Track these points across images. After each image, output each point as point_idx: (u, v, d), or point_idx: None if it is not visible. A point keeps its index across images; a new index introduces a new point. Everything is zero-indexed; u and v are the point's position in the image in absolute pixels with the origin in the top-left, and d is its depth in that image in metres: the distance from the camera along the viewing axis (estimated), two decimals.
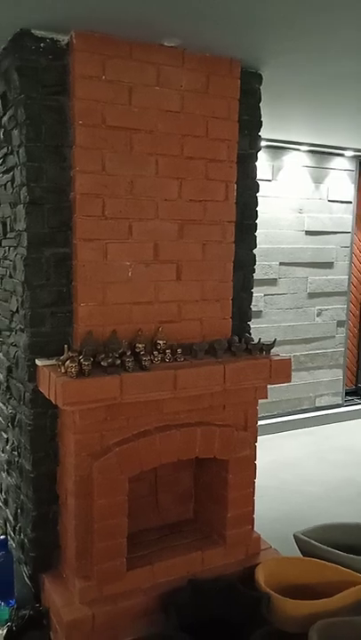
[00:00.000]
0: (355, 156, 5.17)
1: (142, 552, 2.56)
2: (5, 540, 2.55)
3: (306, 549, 2.78)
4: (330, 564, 2.62)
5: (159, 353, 2.43)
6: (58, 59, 2.29)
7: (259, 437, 2.76)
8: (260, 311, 4.85)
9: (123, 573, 2.41)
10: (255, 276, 2.93)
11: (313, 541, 2.75)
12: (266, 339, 2.77)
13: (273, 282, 4.94)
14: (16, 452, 2.70)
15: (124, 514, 2.38)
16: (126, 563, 2.42)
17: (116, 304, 2.44)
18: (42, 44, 2.27)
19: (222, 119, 2.57)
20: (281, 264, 4.96)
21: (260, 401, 2.74)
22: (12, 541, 2.79)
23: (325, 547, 2.71)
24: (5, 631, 2.22)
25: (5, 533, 2.73)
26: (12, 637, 2.23)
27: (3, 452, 2.99)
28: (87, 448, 2.31)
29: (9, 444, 2.84)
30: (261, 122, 2.80)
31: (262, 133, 2.84)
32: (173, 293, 2.58)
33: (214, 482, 2.73)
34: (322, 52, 2.50)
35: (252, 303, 2.95)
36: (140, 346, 2.38)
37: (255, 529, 2.81)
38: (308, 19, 2.13)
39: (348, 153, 5.08)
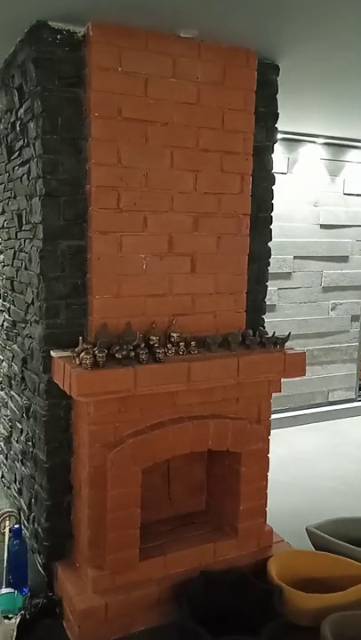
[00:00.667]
0: None
1: (155, 543, 2.57)
2: (19, 529, 2.58)
3: (318, 543, 2.77)
4: (342, 557, 2.62)
5: (173, 345, 2.44)
6: (74, 50, 2.29)
7: (272, 431, 2.76)
8: (274, 305, 4.83)
9: (135, 563, 2.43)
10: (269, 269, 2.91)
11: (325, 535, 2.74)
12: (279, 332, 2.76)
13: (287, 275, 4.91)
14: (30, 443, 2.73)
15: (137, 505, 2.40)
16: (139, 553, 2.44)
17: (130, 296, 2.45)
18: (58, 36, 2.27)
19: (238, 111, 2.56)
20: (295, 257, 4.93)
21: (273, 394, 2.73)
22: (25, 530, 2.83)
23: (338, 540, 2.71)
24: (19, 619, 2.25)
25: (19, 522, 2.76)
26: (25, 625, 2.26)
27: (17, 442, 3.03)
28: (101, 439, 2.33)
29: (23, 434, 2.87)
30: (278, 113, 2.78)
31: (278, 125, 2.81)
32: (187, 286, 2.58)
33: (227, 474, 2.74)
34: (339, 39, 2.46)
35: (267, 297, 2.94)
36: (153, 338, 2.39)
37: (267, 522, 2.81)
38: (324, 5, 2.10)
39: None
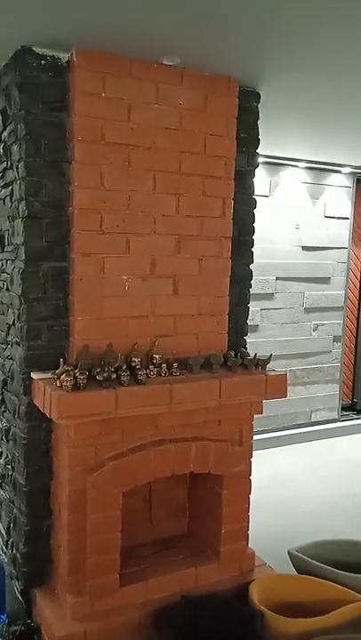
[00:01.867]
0: (352, 173, 5.22)
1: (136, 567, 2.54)
2: None
3: (300, 566, 2.76)
4: (325, 581, 2.61)
5: (155, 367, 2.44)
6: (58, 75, 2.32)
7: (254, 452, 2.76)
8: (257, 325, 4.87)
9: (115, 589, 2.39)
10: (252, 290, 2.94)
11: (307, 558, 2.73)
12: (262, 353, 2.77)
13: (270, 296, 4.95)
14: (10, 466, 2.69)
15: (118, 529, 2.37)
16: (119, 578, 2.40)
17: (112, 318, 2.45)
18: (43, 61, 2.30)
19: (220, 136, 2.60)
20: (278, 279, 4.98)
21: (255, 415, 2.74)
22: (3, 556, 2.77)
23: (320, 564, 2.69)
24: None
25: None
26: None
27: None
28: (81, 462, 2.31)
29: (2, 457, 2.83)
30: (259, 139, 2.83)
31: (260, 150, 2.87)
32: (170, 308, 2.59)
33: (209, 497, 2.72)
34: (320, 70, 2.53)
35: (249, 317, 2.96)
36: (135, 360, 2.39)
37: (250, 545, 2.79)
38: (309, 35, 2.16)
39: (346, 169, 5.13)
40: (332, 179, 5.15)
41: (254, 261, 2.91)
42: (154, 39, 2.18)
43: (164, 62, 2.41)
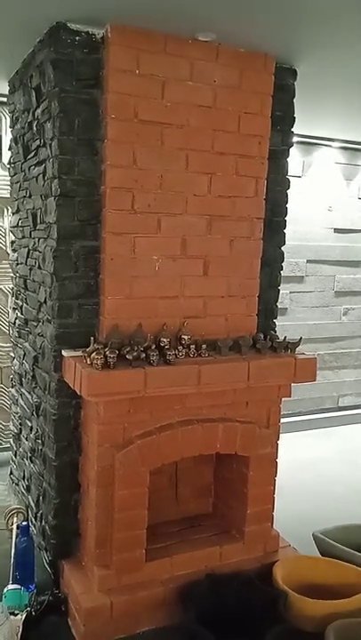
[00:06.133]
0: None
1: (161, 544, 2.58)
2: (27, 526, 2.60)
3: (324, 549, 2.76)
4: (348, 564, 2.61)
5: (183, 348, 2.44)
6: (93, 52, 2.30)
7: (280, 435, 2.75)
8: (286, 308, 4.82)
9: (141, 564, 2.43)
10: (282, 273, 2.91)
11: (332, 541, 2.73)
12: (291, 336, 2.75)
13: (300, 279, 4.89)
14: (40, 441, 2.75)
15: (145, 506, 2.41)
16: (145, 554, 2.45)
17: (142, 298, 2.46)
18: (77, 38, 2.28)
19: (255, 115, 2.55)
20: (308, 261, 4.91)
21: (283, 399, 2.72)
22: (33, 528, 2.84)
23: (344, 547, 2.69)
24: (25, 616, 2.26)
25: (27, 519, 2.78)
26: (30, 622, 2.28)
27: (27, 439, 3.05)
28: (110, 439, 2.34)
29: (33, 432, 2.89)
30: (294, 118, 2.77)
31: (294, 129, 2.81)
32: (199, 289, 2.58)
33: (235, 478, 2.74)
34: (357, 49, 2.46)
35: (278, 300, 2.93)
36: (164, 340, 2.40)
37: (274, 527, 2.80)
38: (345, 13, 2.09)
39: None
40: None
41: (286, 243, 2.87)
42: (189, 14, 2.14)
43: (200, 38, 2.36)
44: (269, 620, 2.27)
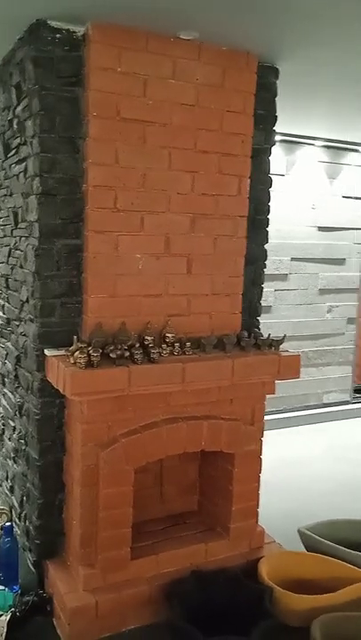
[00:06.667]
0: None
1: (147, 542, 2.58)
2: (11, 526, 2.59)
3: (309, 544, 2.79)
4: (333, 559, 2.63)
5: (168, 346, 2.44)
6: (74, 50, 2.29)
7: (265, 432, 2.77)
8: (270, 306, 4.85)
9: (127, 562, 2.43)
10: (266, 270, 2.92)
11: (316, 537, 2.75)
12: (275, 334, 2.76)
13: (284, 277, 4.92)
14: (23, 441, 2.73)
15: (130, 504, 2.41)
16: (131, 552, 2.45)
17: (125, 296, 2.45)
18: (58, 35, 2.27)
19: (237, 113, 2.56)
20: (292, 259, 4.94)
21: (267, 396, 2.74)
22: (17, 528, 2.83)
23: (329, 542, 2.72)
24: (9, 616, 2.25)
25: (11, 520, 2.77)
26: (15, 623, 2.27)
27: (10, 440, 3.03)
28: (94, 438, 2.34)
29: (16, 432, 2.87)
30: (277, 116, 2.78)
31: (277, 127, 2.82)
32: (183, 287, 2.58)
33: (220, 475, 2.75)
34: (342, 46, 2.47)
35: (262, 298, 2.94)
36: (148, 338, 2.39)
37: (260, 523, 2.82)
38: (328, 12, 2.10)
39: None
40: (350, 158, 5.06)
41: (269, 241, 2.89)
42: (171, 12, 2.14)
43: (182, 37, 2.36)
44: (256, 616, 2.28)
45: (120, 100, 2.32)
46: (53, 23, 2.25)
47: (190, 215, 2.54)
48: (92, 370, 2.19)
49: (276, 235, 4.58)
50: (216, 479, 2.78)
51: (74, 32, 2.28)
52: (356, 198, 5.17)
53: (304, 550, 2.81)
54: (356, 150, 5.04)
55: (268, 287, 4.55)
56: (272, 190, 2.85)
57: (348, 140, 4.84)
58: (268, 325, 4.30)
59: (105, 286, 2.41)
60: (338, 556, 2.65)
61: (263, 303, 2.99)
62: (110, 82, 2.29)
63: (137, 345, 2.34)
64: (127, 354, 2.29)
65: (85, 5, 2.10)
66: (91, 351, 2.21)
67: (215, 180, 2.56)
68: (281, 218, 4.70)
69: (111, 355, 2.26)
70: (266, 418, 2.79)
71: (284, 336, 2.76)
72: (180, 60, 2.40)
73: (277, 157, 4.63)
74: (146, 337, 2.40)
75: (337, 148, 4.95)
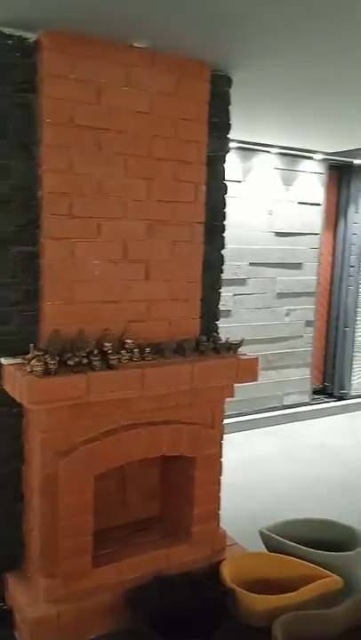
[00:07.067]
0: (324, 160, 5.26)
1: (109, 549, 2.57)
2: None
3: (271, 545, 2.83)
4: (294, 558, 2.68)
5: (127, 352, 2.44)
6: (26, 56, 2.28)
7: (227, 435, 2.80)
8: (230, 310, 4.90)
9: (88, 571, 2.41)
10: (225, 275, 2.96)
11: (277, 537, 2.80)
12: (236, 338, 2.80)
13: (242, 282, 4.99)
14: None
15: (90, 512, 2.39)
16: (92, 560, 2.43)
17: (83, 303, 2.44)
18: (9, 41, 2.25)
19: (192, 121, 2.60)
20: (251, 264, 5.01)
21: (228, 399, 2.77)
22: None
23: (289, 542, 2.76)
24: None
25: None
26: None
27: None
28: (53, 447, 2.31)
29: None
30: (230, 124, 2.83)
31: (233, 135, 2.87)
32: (142, 293, 2.59)
33: (181, 479, 2.76)
34: (293, 57, 2.54)
35: (222, 303, 2.98)
36: (107, 345, 2.39)
37: (222, 526, 2.84)
38: (280, 23, 2.16)
39: (318, 156, 5.17)
40: (305, 165, 5.19)
41: (227, 247, 2.93)
42: (123, 21, 2.16)
43: (135, 45, 2.38)
44: (219, 618, 2.30)
45: (74, 107, 2.31)
46: (4, 29, 2.24)
47: (147, 221, 2.56)
48: (49, 378, 2.17)
49: (235, 240, 4.66)
50: (178, 484, 2.79)
51: (26, 38, 2.27)
52: (312, 204, 5.30)
53: (265, 551, 2.85)
54: (311, 157, 5.17)
55: (227, 292, 4.63)
56: (229, 197, 2.90)
57: (303, 147, 4.96)
58: (228, 329, 4.35)
59: (62, 293, 2.40)
60: (298, 555, 2.70)
61: (223, 308, 3.03)
62: (64, 89, 2.29)
63: (95, 352, 2.33)
64: (85, 361, 2.28)
65: (36, 12, 2.10)
66: (48, 359, 2.19)
67: (171, 186, 2.59)
68: (239, 224, 4.78)
69: (69, 362, 2.25)
70: (228, 421, 2.83)
71: (242, 340, 2.80)
72: (133, 67, 2.42)
73: (234, 164, 4.71)
74: (105, 343, 2.40)
75: (292, 155, 5.06)
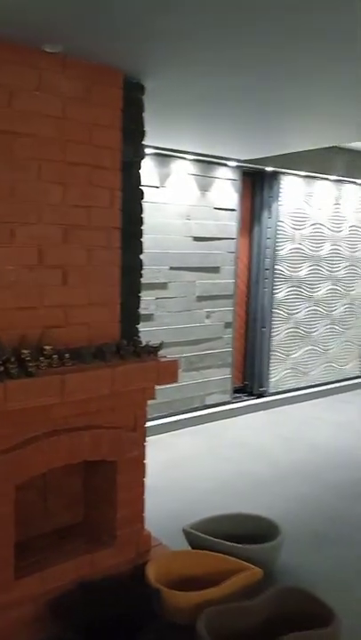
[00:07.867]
0: (238, 167, 5.45)
1: (31, 559, 2.52)
2: None
3: (194, 542, 2.89)
4: (216, 554, 2.75)
5: (46, 358, 2.42)
6: None
7: (152, 437, 2.83)
8: (152, 314, 4.95)
9: (10, 583, 2.36)
10: (146, 280, 2.99)
11: (199, 534, 2.86)
12: (158, 341, 2.85)
13: (163, 286, 5.06)
14: None
15: (11, 523, 2.34)
16: (14, 572, 2.38)
17: None
18: None
19: (105, 127, 2.62)
20: (171, 268, 5.09)
21: (151, 401, 2.81)
22: None
23: (211, 538, 2.84)
24: None
25: None
26: None
27: None
28: None
29: None
30: (145, 131, 2.87)
31: (150, 141, 2.92)
32: (59, 298, 2.57)
33: (104, 484, 2.76)
34: (202, 67, 2.63)
35: (143, 307, 3.01)
36: (25, 352, 2.35)
37: (148, 526, 2.87)
38: (190, 35, 2.23)
39: (232, 163, 5.34)
40: (220, 172, 5.34)
41: (148, 252, 2.97)
42: (34, 25, 2.14)
43: (46, 49, 2.37)
44: (145, 619, 2.32)
45: None
46: None
47: (63, 226, 2.55)
48: None
49: (155, 245, 4.73)
50: (100, 488, 2.79)
51: None
52: (227, 209, 5.47)
53: (190, 548, 2.91)
54: (225, 164, 5.33)
55: (148, 296, 4.68)
56: (147, 202, 2.94)
57: (217, 154, 5.11)
58: (150, 333, 4.40)
59: None
60: (220, 550, 2.78)
61: (145, 311, 3.06)
62: None
63: (12, 359, 2.29)
64: (2, 369, 2.23)
65: None
66: None
67: (87, 191, 2.60)
68: (158, 228, 4.85)
69: None
70: (152, 423, 2.87)
71: (162, 343, 2.85)
72: (45, 72, 2.41)
73: (151, 170, 4.77)
74: (22, 350, 2.36)
75: (207, 162, 5.20)
